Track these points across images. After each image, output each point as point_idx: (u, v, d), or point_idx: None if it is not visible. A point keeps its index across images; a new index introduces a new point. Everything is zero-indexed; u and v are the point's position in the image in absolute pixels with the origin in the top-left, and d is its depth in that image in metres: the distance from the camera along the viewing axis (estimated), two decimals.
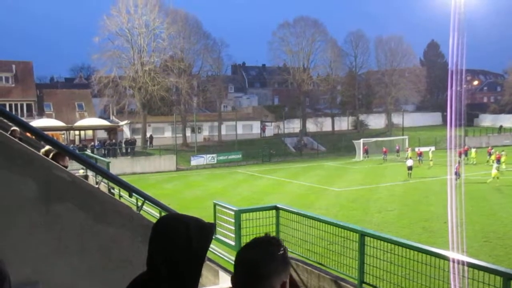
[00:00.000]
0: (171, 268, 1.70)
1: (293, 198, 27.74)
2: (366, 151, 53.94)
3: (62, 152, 5.02)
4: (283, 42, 71.66)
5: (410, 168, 35.99)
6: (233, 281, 1.71)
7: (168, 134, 59.82)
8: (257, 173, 42.40)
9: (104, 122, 55.08)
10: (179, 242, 1.71)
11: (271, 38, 72.94)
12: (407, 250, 6.16)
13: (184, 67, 59.35)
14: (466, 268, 5.29)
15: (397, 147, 54.28)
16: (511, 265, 13.97)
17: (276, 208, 8.53)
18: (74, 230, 3.93)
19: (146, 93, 56.50)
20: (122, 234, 4.17)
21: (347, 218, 21.01)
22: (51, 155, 4.95)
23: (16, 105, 52.94)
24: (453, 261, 5.45)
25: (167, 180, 39.84)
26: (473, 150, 45.00)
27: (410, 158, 38.50)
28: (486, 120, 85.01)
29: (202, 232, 1.77)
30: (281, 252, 1.69)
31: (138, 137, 56.30)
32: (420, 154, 45.71)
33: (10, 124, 7.22)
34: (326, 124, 73.37)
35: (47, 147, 5.28)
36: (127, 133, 57.96)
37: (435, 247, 6.27)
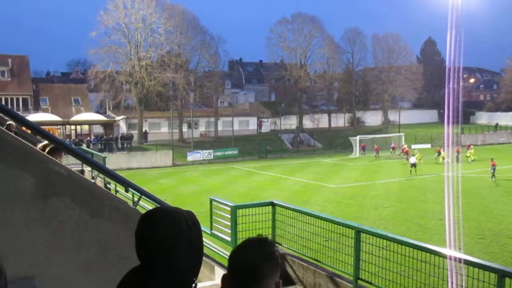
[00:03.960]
0: (164, 261, 1.70)
1: (289, 194, 27.78)
2: (363, 148, 54.01)
3: (58, 146, 5.00)
4: (280, 38, 71.63)
5: (413, 165, 35.90)
6: (226, 281, 1.73)
7: (164, 129, 59.76)
8: (253, 169, 42.43)
9: (101, 117, 54.98)
10: (170, 234, 1.70)
11: (269, 34, 73.04)
12: (403, 246, 6.17)
13: (181, 63, 59.27)
14: (461, 265, 5.31)
15: (393, 144, 54.06)
16: (506, 262, 14.05)
17: (273, 204, 8.53)
18: (71, 225, 3.92)
19: (142, 88, 56.44)
20: (119, 230, 4.16)
21: (343, 214, 21.09)
22: (46, 150, 4.93)
23: (12, 100, 52.79)
24: (449, 258, 5.47)
25: (163, 176, 39.82)
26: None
27: (413, 155, 38.47)
28: (482, 118, 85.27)
29: (194, 223, 1.78)
30: (275, 254, 1.73)
31: (135, 132, 56.20)
32: (406, 152, 46.11)
33: (6, 118, 7.20)
34: (322, 121, 73.43)
35: (45, 142, 5.26)
36: (123, 128, 57.89)
37: (431, 244, 6.29)
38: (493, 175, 31.34)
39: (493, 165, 31.51)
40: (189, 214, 1.79)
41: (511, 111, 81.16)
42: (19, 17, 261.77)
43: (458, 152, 42.69)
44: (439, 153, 44.29)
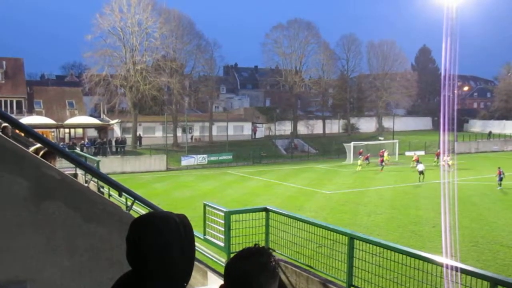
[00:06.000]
0: (155, 265, 1.69)
1: (283, 200, 27.75)
2: (360, 154, 53.90)
3: (51, 150, 4.98)
4: (276, 44, 71.85)
5: (421, 172, 35.84)
6: None
7: (158, 133, 59.69)
8: (247, 175, 42.38)
9: (95, 121, 54.84)
10: (161, 238, 1.70)
11: (264, 39, 73.26)
12: (396, 253, 6.18)
13: (176, 67, 59.25)
14: (454, 272, 5.32)
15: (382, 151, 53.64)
16: (499, 270, 14.08)
17: (266, 210, 8.52)
18: (64, 229, 3.90)
19: (137, 92, 56.34)
20: (112, 234, 4.14)
21: (337, 221, 21.07)
22: (40, 153, 4.91)
23: (5, 102, 52.56)
24: (441, 266, 5.48)
25: (157, 180, 39.70)
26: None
27: (420, 162, 38.50)
28: (476, 125, 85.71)
29: (186, 227, 1.77)
30: (272, 263, 1.72)
31: (129, 136, 56.07)
32: (366, 158, 48.16)
33: (1, 121, 7.15)
34: (317, 127, 73.58)
35: (37, 145, 5.23)
36: (117, 132, 57.72)
37: (424, 251, 6.31)
38: (500, 184, 31.42)
39: (499, 173, 31.61)
40: (181, 218, 1.79)
41: (505, 119, 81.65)
42: (15, 16, 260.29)
43: (437, 156, 43.46)
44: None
